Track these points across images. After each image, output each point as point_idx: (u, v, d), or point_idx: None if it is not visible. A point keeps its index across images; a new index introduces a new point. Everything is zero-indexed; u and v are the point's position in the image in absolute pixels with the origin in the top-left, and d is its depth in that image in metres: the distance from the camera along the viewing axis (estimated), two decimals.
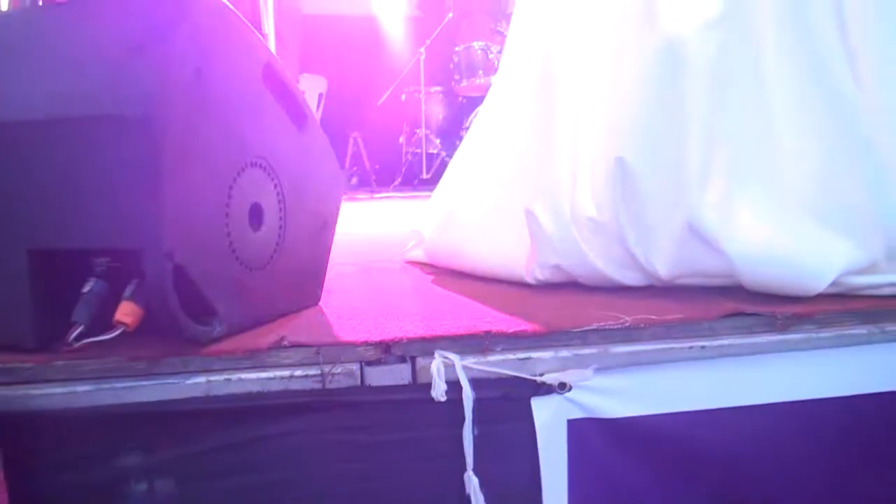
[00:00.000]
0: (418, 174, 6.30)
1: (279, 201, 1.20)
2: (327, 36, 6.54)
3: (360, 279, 1.62)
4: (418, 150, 6.32)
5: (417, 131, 6.32)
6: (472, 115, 5.97)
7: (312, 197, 1.32)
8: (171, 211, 0.94)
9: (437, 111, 6.42)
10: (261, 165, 1.15)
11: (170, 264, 0.94)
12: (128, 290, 0.99)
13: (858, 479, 1.21)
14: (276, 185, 1.19)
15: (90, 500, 0.98)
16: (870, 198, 1.24)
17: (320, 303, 1.36)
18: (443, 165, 6.10)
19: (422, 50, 6.27)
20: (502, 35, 5.80)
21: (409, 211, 3.77)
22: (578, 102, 1.43)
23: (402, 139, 6.61)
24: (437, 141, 6.29)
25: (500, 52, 5.49)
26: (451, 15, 6.31)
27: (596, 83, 1.43)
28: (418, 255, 1.83)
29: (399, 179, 6.42)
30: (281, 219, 1.21)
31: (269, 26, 3.70)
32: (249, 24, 1.15)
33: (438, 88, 6.39)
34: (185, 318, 0.98)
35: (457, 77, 6.18)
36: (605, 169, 1.34)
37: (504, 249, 1.53)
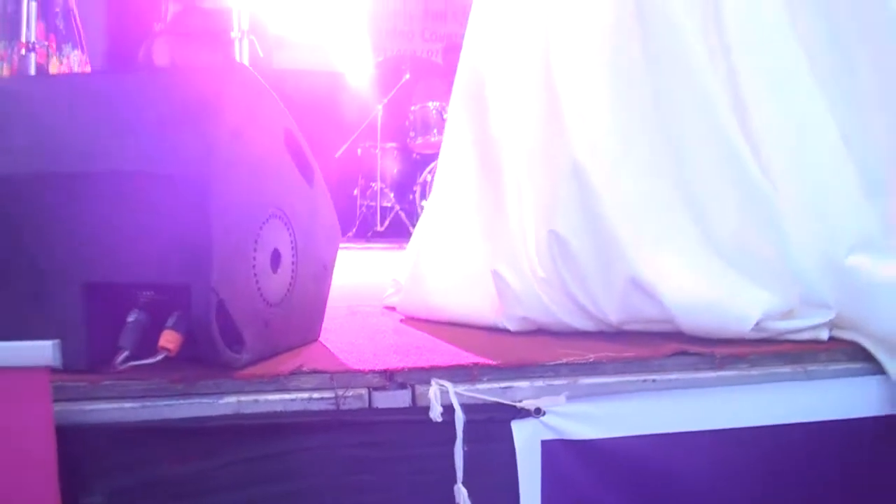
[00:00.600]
0: (372, 226, 6.45)
1: (292, 247, 1.37)
2: (287, 89, 6.70)
3: (349, 321, 1.77)
4: (373, 203, 6.48)
5: (372, 185, 6.48)
6: (426, 170, 6.19)
7: (317, 244, 1.49)
8: (216, 252, 1.11)
9: (391, 166, 6.59)
10: (280, 216, 1.32)
11: (215, 298, 1.09)
12: (170, 320, 1.14)
13: (783, 496, 1.41)
14: (290, 233, 1.36)
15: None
16: (777, 255, 1.44)
17: (320, 338, 1.52)
18: (397, 218, 6.28)
19: (379, 107, 6.50)
20: None
21: (368, 262, 3.87)
22: (519, 172, 1.62)
23: (356, 192, 6.76)
24: (392, 195, 6.45)
25: None
26: (407, 76, 6.57)
27: (526, 160, 1.62)
28: (397, 301, 1.97)
29: (353, 231, 6.56)
30: (293, 262, 1.38)
31: None
32: (275, 95, 1.34)
33: (394, 144, 6.57)
34: (223, 346, 1.14)
35: (412, 134, 6.38)
36: (544, 237, 1.53)
37: (472, 304, 1.68)
